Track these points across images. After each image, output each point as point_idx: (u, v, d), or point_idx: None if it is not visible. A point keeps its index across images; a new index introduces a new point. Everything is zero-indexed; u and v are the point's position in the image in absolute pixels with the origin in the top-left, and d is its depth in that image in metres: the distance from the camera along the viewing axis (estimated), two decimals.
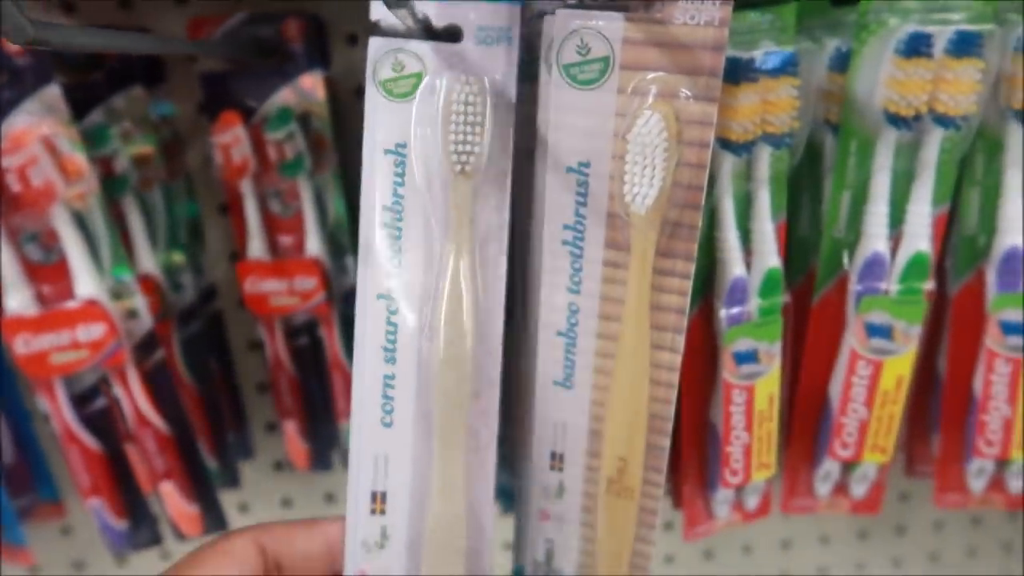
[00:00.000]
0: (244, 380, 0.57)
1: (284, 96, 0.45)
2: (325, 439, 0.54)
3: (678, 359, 0.30)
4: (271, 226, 0.48)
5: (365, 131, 0.29)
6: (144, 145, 0.45)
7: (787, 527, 0.65)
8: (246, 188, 0.46)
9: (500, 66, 0.29)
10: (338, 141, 0.48)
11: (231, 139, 0.44)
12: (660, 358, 0.30)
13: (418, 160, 0.29)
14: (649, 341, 0.30)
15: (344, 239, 0.49)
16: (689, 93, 0.27)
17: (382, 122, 0.29)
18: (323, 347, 0.51)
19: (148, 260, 0.46)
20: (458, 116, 0.27)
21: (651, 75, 0.27)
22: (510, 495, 0.40)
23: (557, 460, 0.33)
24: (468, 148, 0.28)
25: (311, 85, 0.45)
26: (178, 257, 0.49)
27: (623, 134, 0.27)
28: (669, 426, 0.32)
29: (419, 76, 0.28)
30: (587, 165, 0.28)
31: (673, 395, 0.31)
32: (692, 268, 0.29)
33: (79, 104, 0.42)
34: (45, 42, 0.21)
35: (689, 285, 0.29)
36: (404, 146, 0.29)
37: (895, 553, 0.67)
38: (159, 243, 0.48)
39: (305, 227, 0.47)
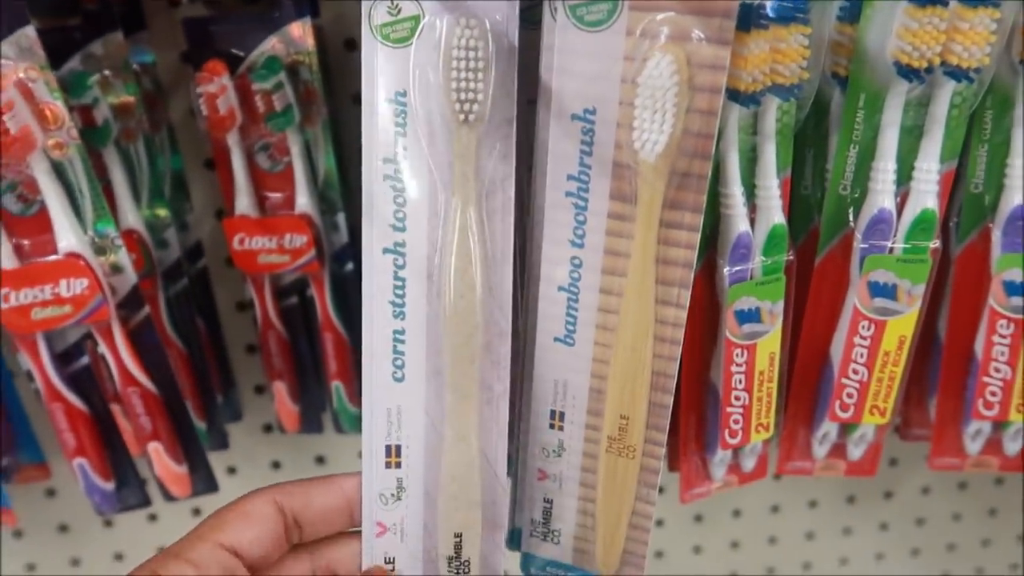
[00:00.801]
0: (232, 341, 0.56)
1: (272, 45, 0.44)
2: (315, 401, 0.54)
3: (683, 315, 0.30)
4: (259, 182, 0.47)
5: (363, 79, 0.28)
6: (125, 94, 0.44)
7: (776, 491, 0.65)
8: (233, 141, 0.45)
9: (501, 7, 0.27)
10: (328, 93, 0.46)
11: (216, 89, 0.43)
12: (665, 314, 0.30)
13: (420, 109, 0.28)
14: (654, 296, 0.29)
15: (335, 195, 0.47)
16: (702, 35, 0.26)
17: (380, 70, 0.28)
18: (313, 307, 0.50)
19: (131, 214, 0.45)
20: (459, 62, 0.26)
21: (661, 16, 0.26)
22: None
23: (557, 419, 0.33)
24: (471, 95, 0.27)
25: (300, 34, 0.44)
26: (162, 211, 0.47)
27: (632, 78, 0.26)
28: (673, 384, 0.31)
29: (416, 19, 0.27)
30: (593, 112, 0.27)
31: (678, 352, 0.31)
32: (700, 220, 0.29)
33: (55, 51, 0.40)
34: None
35: (697, 238, 0.29)
36: (404, 94, 0.28)
37: (882, 517, 0.68)
38: (142, 197, 0.46)
39: (295, 182, 0.46)
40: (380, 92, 0.28)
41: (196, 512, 0.60)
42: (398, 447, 0.30)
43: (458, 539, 0.31)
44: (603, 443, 0.32)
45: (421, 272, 0.29)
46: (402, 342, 0.29)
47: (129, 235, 0.44)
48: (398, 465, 0.31)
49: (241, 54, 0.44)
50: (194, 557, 0.27)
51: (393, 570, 0.32)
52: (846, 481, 0.65)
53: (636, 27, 0.26)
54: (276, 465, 0.60)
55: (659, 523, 0.65)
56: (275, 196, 0.47)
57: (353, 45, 0.49)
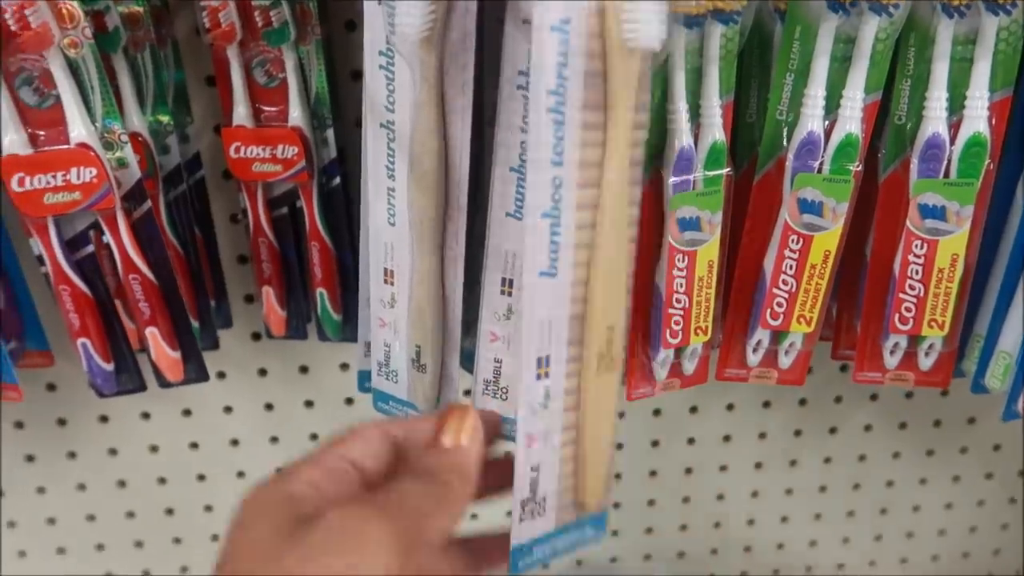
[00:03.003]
0: (224, 252, 0.60)
1: None
2: (302, 309, 0.58)
3: (637, 211, 0.31)
4: (256, 96, 0.51)
5: (366, 25, 0.34)
6: (134, 4, 0.47)
7: (728, 423, 0.70)
8: (232, 55, 0.48)
9: None
10: (322, 18, 0.50)
11: (219, 3, 0.46)
12: (632, 214, 0.31)
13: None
14: (629, 199, 0.30)
15: (325, 112, 0.51)
16: None
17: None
18: (302, 218, 0.54)
19: (136, 118, 0.48)
20: None
21: None
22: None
23: (543, 365, 0.32)
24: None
25: None
26: (165, 118, 0.51)
27: None
28: (631, 282, 0.32)
29: None
30: (567, 21, 0.29)
31: (634, 249, 0.32)
32: (648, 119, 0.30)
33: None
34: None
35: (645, 136, 0.31)
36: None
37: (827, 452, 0.73)
38: (147, 104, 0.50)
39: (288, 97, 0.50)
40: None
41: (187, 413, 0.65)
42: (391, 270, 0.39)
43: (418, 348, 0.40)
44: (593, 362, 0.32)
45: (404, 146, 0.35)
46: (393, 196, 0.37)
47: (134, 137, 0.48)
48: (391, 283, 0.39)
49: None
50: (323, 462, 0.30)
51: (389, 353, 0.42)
52: (795, 413, 0.70)
53: None
54: (263, 372, 0.65)
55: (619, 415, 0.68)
56: (270, 110, 0.51)
57: None
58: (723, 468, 0.73)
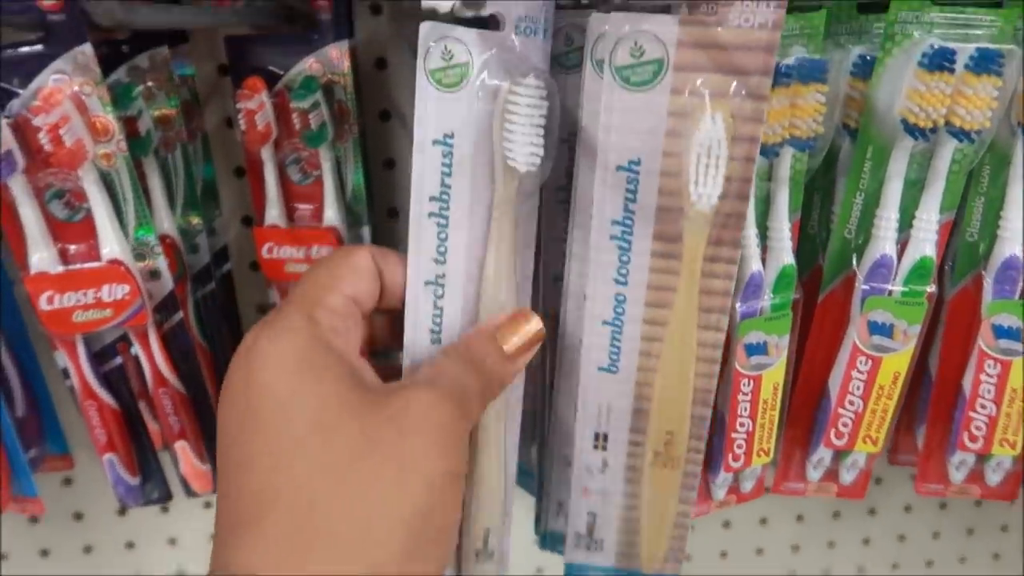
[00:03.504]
0: None
1: (309, 64, 0.45)
2: None
3: (722, 337, 0.32)
4: (289, 193, 0.49)
5: (416, 120, 0.30)
6: (167, 106, 0.46)
7: (765, 505, 0.68)
8: (266, 154, 0.47)
9: (539, 57, 0.30)
10: (359, 110, 0.48)
11: (256, 105, 0.44)
12: (706, 337, 0.33)
13: (467, 153, 0.30)
14: (697, 322, 0.32)
15: (361, 209, 0.49)
16: (743, 91, 0.28)
17: (432, 112, 0.30)
18: None
19: (167, 220, 0.47)
20: (518, 117, 0.29)
21: (704, 76, 0.28)
22: (528, 474, 0.42)
23: (600, 440, 0.35)
24: (532, 151, 0.29)
25: (337, 56, 0.46)
26: (195, 219, 0.49)
27: (680, 132, 0.28)
28: (711, 398, 0.34)
29: (466, 67, 0.29)
30: (638, 163, 0.29)
31: (716, 370, 0.34)
32: (738, 254, 0.31)
33: (103, 62, 0.41)
34: (130, 23, 0.21)
35: (735, 270, 0.31)
36: (452, 136, 0.30)
37: (866, 532, 0.71)
38: (177, 204, 0.48)
39: (324, 196, 0.48)
40: (430, 133, 0.30)
41: (207, 505, 0.62)
42: None
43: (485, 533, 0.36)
44: (648, 456, 0.36)
45: (457, 302, 0.32)
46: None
47: (164, 240, 0.46)
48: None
49: (279, 71, 0.46)
50: (331, 304, 0.29)
51: None
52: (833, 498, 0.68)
53: (680, 86, 0.28)
54: None
55: None
56: (304, 208, 0.49)
57: (383, 64, 0.51)
58: (759, 551, 0.70)
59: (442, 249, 0.31)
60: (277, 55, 0.46)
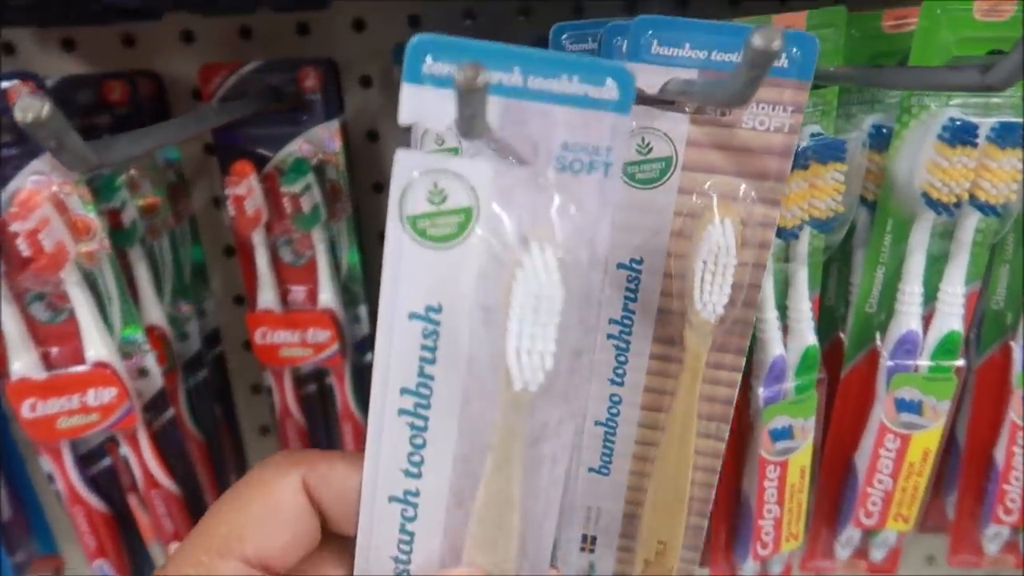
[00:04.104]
0: (246, 422, 0.56)
1: (299, 146, 0.44)
2: None
3: (722, 447, 0.30)
4: (282, 275, 0.47)
5: (383, 283, 0.21)
6: (151, 194, 0.44)
7: None
8: (257, 238, 0.45)
9: (591, 209, 0.21)
10: (351, 186, 0.47)
11: (244, 190, 0.43)
12: (705, 445, 0.30)
13: (461, 334, 0.22)
14: (695, 430, 0.30)
15: (357, 288, 0.48)
16: (754, 195, 0.26)
17: (410, 273, 0.21)
18: (332, 396, 0.50)
19: (155, 311, 0.45)
20: (528, 311, 0.20)
21: (714, 177, 0.27)
22: None
23: (588, 542, 0.33)
24: (536, 360, 0.20)
25: (328, 134, 0.44)
26: (186, 306, 0.47)
27: (688, 234, 0.27)
28: (708, 508, 0.32)
29: (468, 213, 0.21)
30: (640, 262, 0.28)
31: (715, 479, 0.31)
32: (743, 362, 0.29)
33: None
34: (108, 163, 0.20)
35: (739, 377, 0.29)
36: (438, 311, 0.21)
37: None
38: (165, 292, 0.46)
39: (318, 277, 0.46)
40: (404, 303, 0.21)
41: None
42: None
43: None
44: (639, 566, 0.33)
45: (434, 528, 0.23)
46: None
47: (152, 332, 0.44)
48: None
49: (268, 154, 0.44)
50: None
51: None
52: None
53: (688, 186, 0.27)
54: None
55: None
56: (297, 289, 0.47)
57: (375, 136, 0.50)
58: None
59: (416, 459, 0.23)
60: (265, 137, 0.44)
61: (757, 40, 0.18)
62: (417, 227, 0.21)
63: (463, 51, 0.20)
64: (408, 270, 0.21)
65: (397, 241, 0.21)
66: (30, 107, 0.17)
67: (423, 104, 0.20)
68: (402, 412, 0.22)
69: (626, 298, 0.29)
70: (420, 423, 0.22)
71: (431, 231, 0.21)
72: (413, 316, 0.22)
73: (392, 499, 0.23)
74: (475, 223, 0.21)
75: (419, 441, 0.23)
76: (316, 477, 0.24)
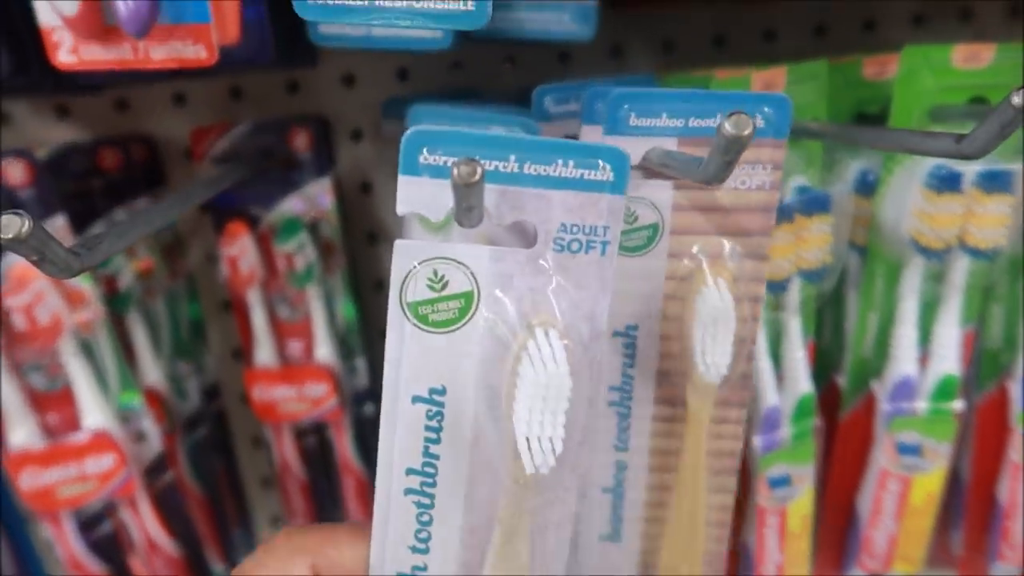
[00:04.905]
0: (248, 474, 0.56)
1: (292, 204, 0.44)
2: None
3: (731, 500, 0.30)
4: (279, 331, 0.47)
5: (386, 366, 0.22)
6: (146, 257, 0.44)
7: None
8: (253, 297, 0.45)
9: (590, 287, 0.22)
10: (345, 238, 0.47)
11: (238, 251, 0.43)
12: (715, 500, 0.30)
13: (465, 414, 0.22)
14: (706, 487, 0.29)
15: (354, 341, 0.48)
16: (741, 252, 0.26)
17: (411, 359, 0.22)
18: (332, 449, 0.49)
19: (153, 372, 0.45)
20: (537, 400, 0.21)
21: (702, 239, 0.27)
22: None
23: None
24: (547, 445, 0.21)
25: (319, 191, 0.44)
26: (184, 364, 0.47)
27: (682, 296, 0.27)
28: (722, 561, 0.32)
29: (468, 298, 0.22)
30: (635, 328, 0.28)
31: (727, 533, 0.31)
32: (745, 414, 0.29)
33: (79, 215, 0.40)
34: (92, 266, 0.20)
35: (742, 430, 0.29)
36: (442, 392, 0.22)
37: None
38: (163, 350, 0.46)
39: (314, 332, 0.46)
40: (408, 387, 0.22)
41: None
42: None
43: None
44: None
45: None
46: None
47: (151, 393, 0.44)
48: None
49: (261, 213, 0.44)
50: None
51: None
52: None
53: (677, 249, 0.27)
54: None
55: None
56: (295, 345, 0.47)
57: (368, 188, 0.50)
58: None
59: (423, 535, 0.23)
60: (258, 195, 0.44)
61: (728, 128, 0.18)
62: (418, 313, 0.21)
63: (458, 142, 0.21)
64: (410, 355, 0.22)
65: (399, 327, 0.22)
66: (10, 225, 0.17)
67: (420, 195, 0.21)
68: (408, 491, 0.23)
69: (624, 364, 0.29)
70: (427, 501, 0.23)
71: (432, 317, 0.22)
72: (417, 399, 0.22)
73: (400, 575, 0.23)
74: (476, 307, 0.21)
75: (426, 518, 0.23)
76: (325, 563, 0.24)
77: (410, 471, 0.22)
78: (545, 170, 0.21)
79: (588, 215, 0.21)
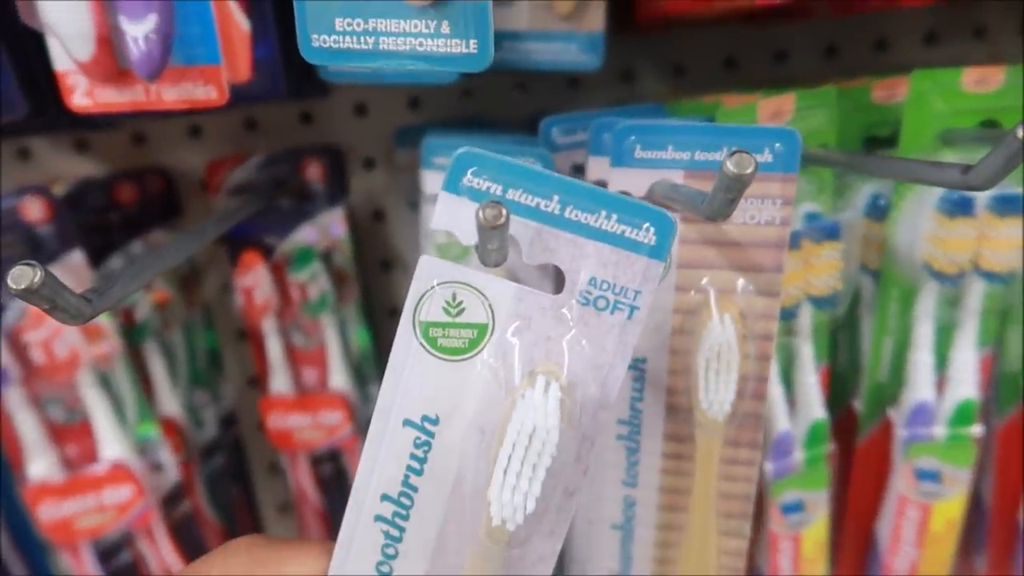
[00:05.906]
0: (264, 501, 0.56)
1: (305, 234, 0.45)
2: None
3: (745, 544, 0.30)
4: (294, 359, 0.47)
5: (384, 382, 0.21)
6: (163, 289, 0.45)
7: None
8: (268, 325, 0.45)
9: (608, 350, 0.20)
10: (358, 267, 0.47)
11: (252, 281, 0.44)
12: (727, 544, 0.30)
13: (453, 449, 0.21)
14: (716, 529, 0.29)
15: (369, 369, 0.48)
16: (752, 289, 0.26)
17: (411, 380, 0.21)
18: (347, 476, 0.50)
19: (170, 403, 0.45)
20: (520, 447, 0.20)
21: (711, 272, 0.27)
22: None
23: None
24: (519, 500, 0.20)
25: (332, 221, 0.45)
26: (201, 395, 0.48)
27: (690, 331, 0.27)
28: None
29: (481, 331, 0.21)
30: (644, 361, 0.28)
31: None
32: (758, 456, 0.29)
33: (97, 249, 0.41)
34: (103, 311, 0.20)
35: (755, 472, 0.29)
36: (435, 423, 0.21)
37: None
38: (180, 380, 0.47)
39: (329, 360, 0.47)
40: (400, 408, 0.21)
41: None
42: None
43: None
44: None
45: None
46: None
47: (168, 423, 0.45)
48: None
49: (275, 243, 0.45)
50: None
51: None
52: None
53: (685, 283, 0.27)
54: None
55: None
56: (310, 373, 0.48)
57: (381, 216, 0.51)
58: None
59: (385, 569, 0.22)
60: (272, 225, 0.45)
61: (730, 167, 0.18)
62: (429, 335, 0.21)
63: (505, 171, 0.20)
64: (411, 376, 0.21)
65: (406, 344, 0.21)
66: (23, 276, 0.17)
67: (458, 214, 0.20)
68: (379, 518, 0.21)
69: (632, 397, 0.29)
70: (396, 532, 0.21)
71: (441, 341, 0.21)
72: (408, 423, 0.21)
73: None
74: (487, 342, 0.20)
75: (391, 551, 0.21)
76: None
77: (385, 497, 0.21)
78: (587, 218, 0.20)
79: (622, 275, 0.20)
